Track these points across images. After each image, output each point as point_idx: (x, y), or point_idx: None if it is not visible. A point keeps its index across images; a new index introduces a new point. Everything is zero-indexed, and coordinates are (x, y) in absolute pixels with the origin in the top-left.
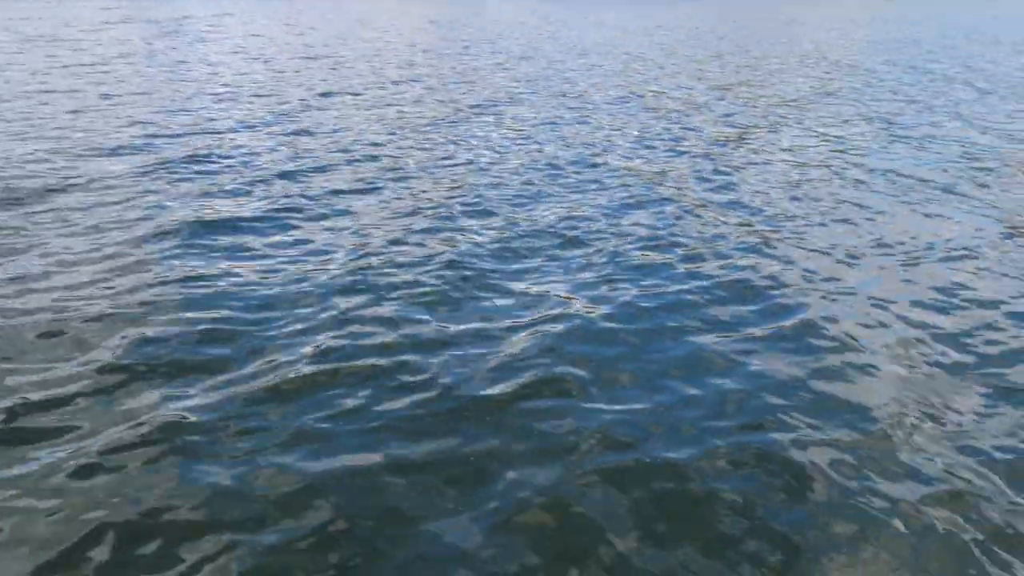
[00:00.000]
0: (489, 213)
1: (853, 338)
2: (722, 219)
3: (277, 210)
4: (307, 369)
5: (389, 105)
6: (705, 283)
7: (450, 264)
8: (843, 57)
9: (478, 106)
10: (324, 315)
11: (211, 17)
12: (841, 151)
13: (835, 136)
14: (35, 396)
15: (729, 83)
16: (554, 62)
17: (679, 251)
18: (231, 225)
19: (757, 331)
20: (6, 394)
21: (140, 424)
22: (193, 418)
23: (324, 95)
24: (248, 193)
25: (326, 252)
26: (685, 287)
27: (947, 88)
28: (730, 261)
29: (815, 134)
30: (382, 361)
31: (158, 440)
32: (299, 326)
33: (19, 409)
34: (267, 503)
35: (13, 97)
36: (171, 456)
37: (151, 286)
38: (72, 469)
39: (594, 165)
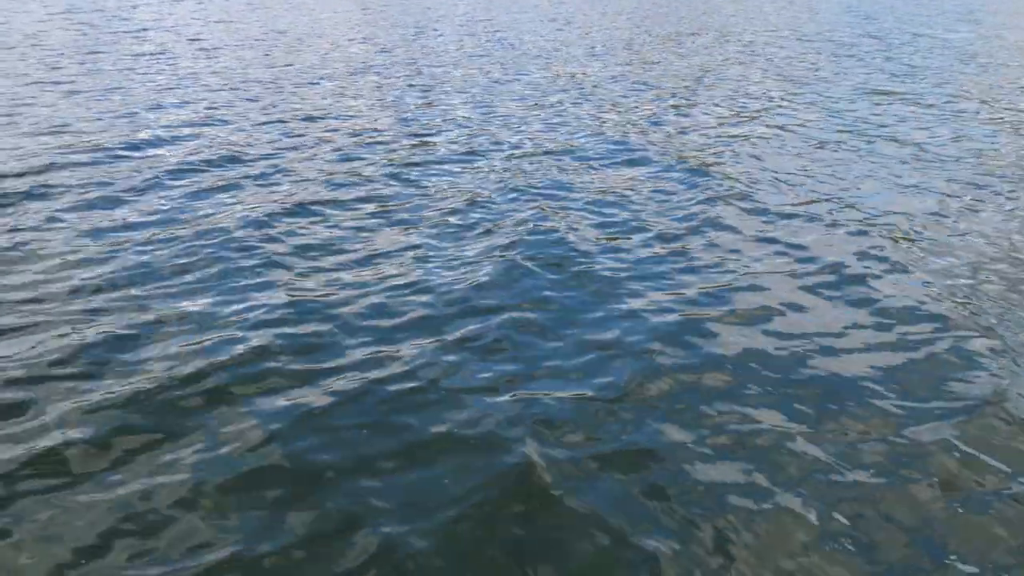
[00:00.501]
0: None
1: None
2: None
3: (298, 206)
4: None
5: (371, 90)
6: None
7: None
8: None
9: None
10: (385, 321)
11: (161, 4)
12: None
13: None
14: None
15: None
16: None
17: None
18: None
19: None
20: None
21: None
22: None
23: (313, 82)
24: (244, 187)
25: (373, 256)
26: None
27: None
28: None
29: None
30: (481, 380)
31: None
32: (360, 335)
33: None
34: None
35: None
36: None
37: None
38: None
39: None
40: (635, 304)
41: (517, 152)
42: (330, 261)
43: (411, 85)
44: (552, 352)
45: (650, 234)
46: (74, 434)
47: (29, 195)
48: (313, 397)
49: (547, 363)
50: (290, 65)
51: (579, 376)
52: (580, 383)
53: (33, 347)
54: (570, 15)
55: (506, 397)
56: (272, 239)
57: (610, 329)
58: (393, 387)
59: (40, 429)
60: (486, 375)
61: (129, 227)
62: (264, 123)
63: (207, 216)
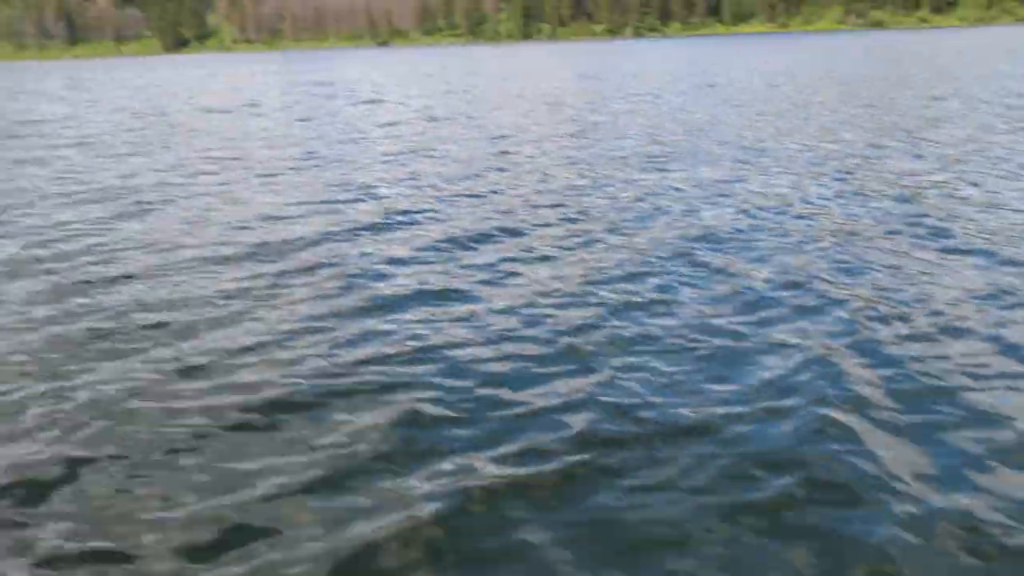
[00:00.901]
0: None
1: None
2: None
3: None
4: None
5: (564, 158)
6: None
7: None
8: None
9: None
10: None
11: (366, 78)
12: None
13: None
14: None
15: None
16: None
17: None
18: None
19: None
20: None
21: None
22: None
23: (503, 152)
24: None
25: (552, 305)
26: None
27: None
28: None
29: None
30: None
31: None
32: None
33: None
34: None
35: (196, 161)
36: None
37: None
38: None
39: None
40: None
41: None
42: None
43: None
44: None
45: None
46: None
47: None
48: None
49: None
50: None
51: None
52: None
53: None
54: (791, 72)
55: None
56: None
57: None
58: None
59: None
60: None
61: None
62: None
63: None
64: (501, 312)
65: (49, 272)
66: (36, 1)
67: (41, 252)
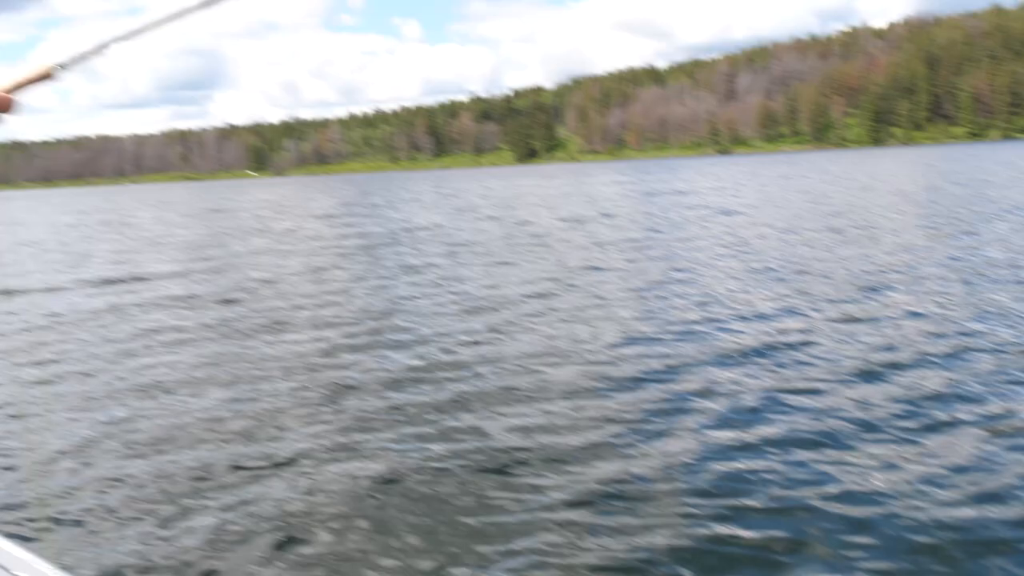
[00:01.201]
0: None
1: None
2: None
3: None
4: None
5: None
6: None
7: None
8: None
9: None
10: None
11: (714, 187)
12: None
13: None
14: None
15: None
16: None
17: None
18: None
19: None
20: None
21: None
22: None
23: (885, 271)
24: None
25: None
26: None
27: None
28: None
29: None
30: None
31: None
32: None
33: None
34: None
35: (577, 275)
36: None
37: None
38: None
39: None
40: None
41: None
42: None
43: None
44: None
45: None
46: None
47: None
48: None
49: None
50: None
51: None
52: None
53: None
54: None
55: None
56: None
57: None
58: None
59: None
60: None
61: None
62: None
63: None
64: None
65: (437, 384)
66: (408, 119)
67: (430, 361)
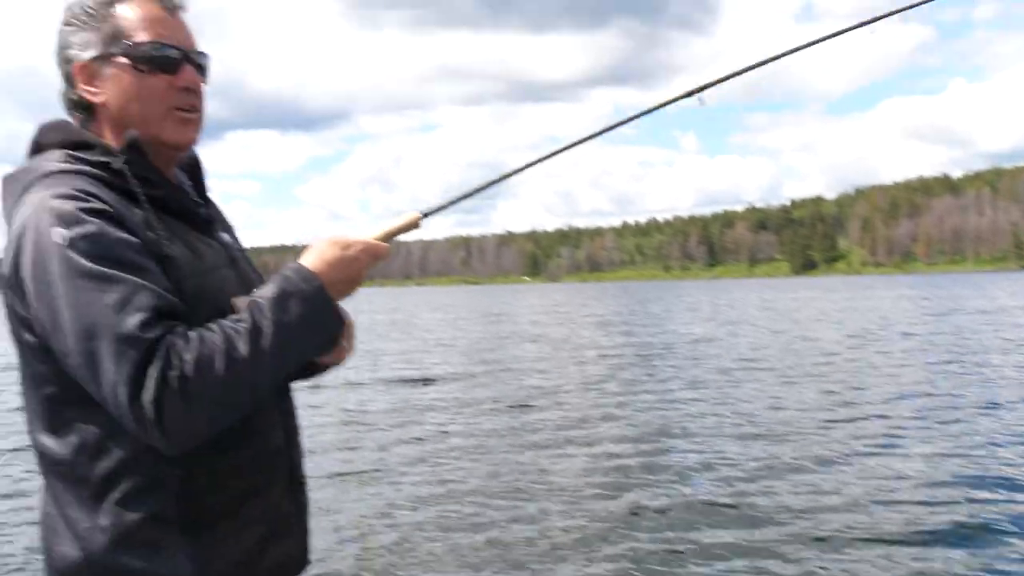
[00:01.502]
0: None
1: None
2: None
3: None
4: None
5: None
6: None
7: None
8: None
9: None
10: None
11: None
12: None
13: None
14: None
15: None
16: None
17: None
18: None
19: None
20: None
21: None
22: None
23: None
24: None
25: None
26: None
27: None
28: None
29: None
30: None
31: None
32: None
33: None
34: None
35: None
36: None
37: None
38: None
39: None
40: None
41: None
42: None
43: None
44: None
45: None
46: None
47: None
48: None
49: None
50: None
51: None
52: None
53: None
54: None
55: None
56: None
57: None
58: None
59: None
60: None
61: None
62: None
63: None
64: None
65: (726, 524)
66: (683, 229)
67: (716, 497)
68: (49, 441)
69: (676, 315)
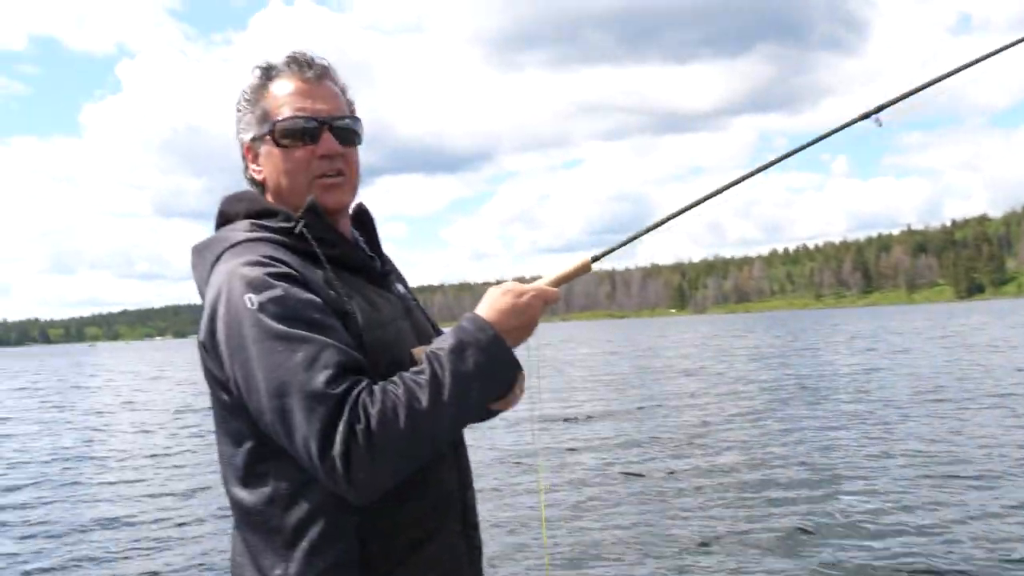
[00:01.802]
0: None
1: None
2: None
3: None
4: None
5: None
6: None
7: None
8: None
9: None
10: None
11: None
12: None
13: None
14: None
15: None
16: None
17: None
18: None
19: None
20: None
21: None
22: None
23: None
24: None
25: None
26: None
27: None
28: None
29: None
30: None
31: None
32: None
33: None
34: None
35: None
36: None
37: None
38: None
39: None
40: None
41: None
42: None
43: None
44: None
45: None
46: None
47: None
48: None
49: None
50: None
51: None
52: None
53: None
54: None
55: None
56: None
57: None
58: None
59: None
60: None
61: None
62: None
63: None
64: None
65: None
66: (835, 255)
67: (899, 548)
68: (243, 493)
69: (834, 346)
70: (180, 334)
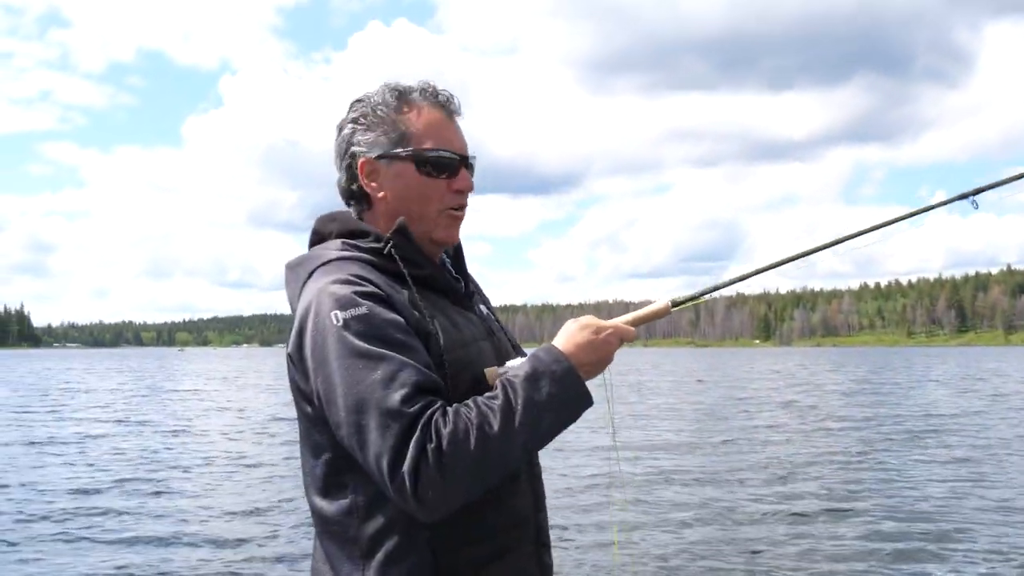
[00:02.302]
0: None
1: None
2: None
3: None
4: None
5: None
6: None
7: None
8: None
9: None
10: None
11: None
12: None
13: None
14: None
15: None
16: None
17: None
18: None
19: None
20: None
21: None
22: None
23: None
24: None
25: None
26: None
27: None
28: None
29: None
30: None
31: None
32: None
33: None
34: None
35: None
36: None
37: None
38: None
39: None
40: None
41: None
42: None
43: None
44: None
45: None
46: None
47: None
48: None
49: None
50: None
51: None
52: None
53: None
54: None
55: None
56: None
57: None
58: None
59: None
60: None
61: None
62: None
63: None
64: None
65: None
66: (929, 292)
67: None
68: (323, 503)
69: (928, 386)
70: (266, 343)
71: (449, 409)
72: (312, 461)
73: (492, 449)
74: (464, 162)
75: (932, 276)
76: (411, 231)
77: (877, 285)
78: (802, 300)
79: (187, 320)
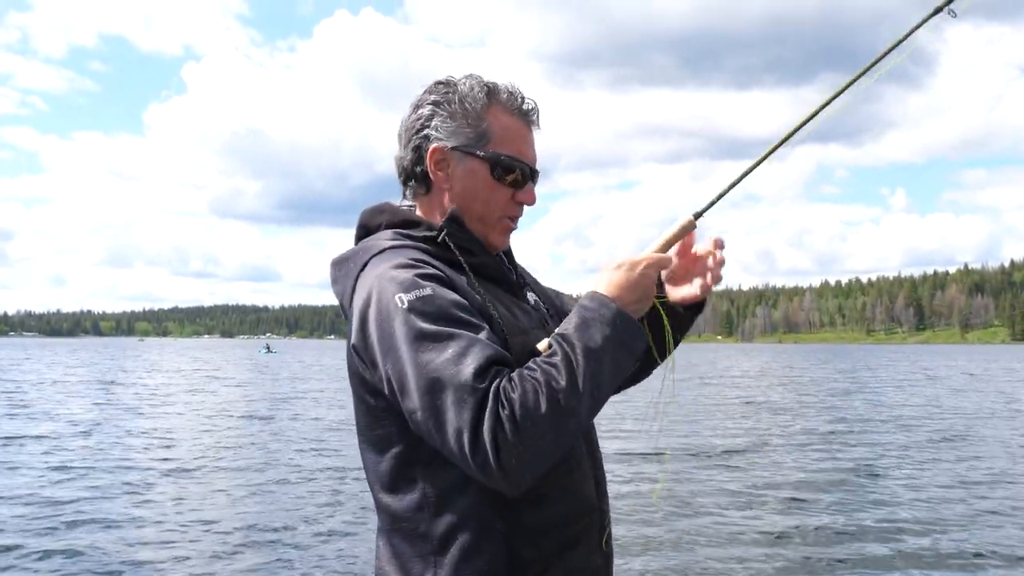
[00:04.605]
0: None
1: None
2: None
3: None
4: None
5: None
6: None
7: None
8: None
9: None
10: None
11: None
12: None
13: None
14: None
15: None
16: None
17: None
18: None
19: None
20: None
21: None
22: None
23: None
24: None
25: None
26: None
27: None
28: None
29: None
30: None
31: None
32: None
33: None
34: None
35: None
36: None
37: None
38: None
39: None
40: None
41: None
42: None
43: None
44: None
45: None
46: None
47: None
48: None
49: None
50: None
51: None
52: None
53: None
54: None
55: None
56: None
57: None
58: None
59: None
60: None
61: None
62: None
63: None
64: None
65: None
66: (888, 290)
67: None
68: (391, 499)
69: (910, 383)
70: (227, 333)
71: (514, 375)
72: (376, 457)
73: (563, 403)
74: (533, 176)
75: (891, 275)
76: (465, 222)
77: (838, 283)
78: (764, 297)
79: (147, 310)
